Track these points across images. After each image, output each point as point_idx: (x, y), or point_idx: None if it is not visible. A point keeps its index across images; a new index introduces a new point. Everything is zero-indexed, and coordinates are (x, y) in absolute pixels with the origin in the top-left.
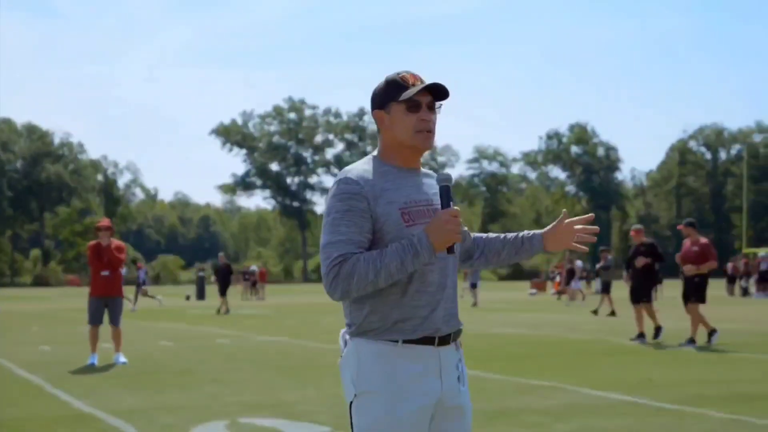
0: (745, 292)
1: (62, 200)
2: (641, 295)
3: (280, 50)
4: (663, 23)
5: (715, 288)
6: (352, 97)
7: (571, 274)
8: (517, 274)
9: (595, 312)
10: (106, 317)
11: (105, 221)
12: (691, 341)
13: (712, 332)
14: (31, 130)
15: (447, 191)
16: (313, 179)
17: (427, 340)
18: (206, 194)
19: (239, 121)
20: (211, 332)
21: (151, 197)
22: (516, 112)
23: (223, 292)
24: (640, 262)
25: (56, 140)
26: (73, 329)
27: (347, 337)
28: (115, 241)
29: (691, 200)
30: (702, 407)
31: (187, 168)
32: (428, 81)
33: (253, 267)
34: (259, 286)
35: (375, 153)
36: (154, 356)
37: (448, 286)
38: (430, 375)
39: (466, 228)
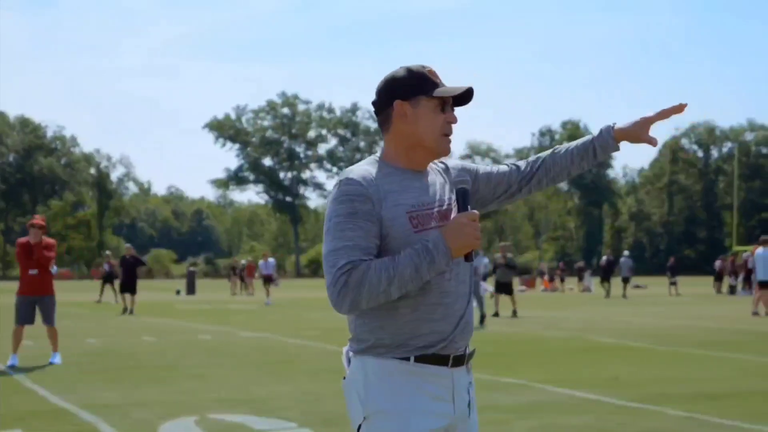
0: (732, 290)
1: (55, 193)
2: None
3: (273, 45)
4: (656, 21)
5: (703, 285)
6: (345, 92)
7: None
8: None
9: (496, 314)
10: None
11: (38, 219)
12: None
13: None
14: (24, 123)
15: (464, 194)
16: (306, 174)
17: (441, 359)
18: (200, 188)
19: (233, 116)
20: (195, 328)
21: (145, 191)
22: (509, 109)
23: (125, 288)
24: None
25: (49, 133)
26: (61, 323)
27: (351, 354)
28: (46, 239)
29: (683, 198)
30: (662, 405)
31: (180, 162)
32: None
33: (243, 261)
34: (248, 280)
35: (378, 155)
36: (136, 352)
37: (466, 297)
38: (443, 396)
39: (498, 168)
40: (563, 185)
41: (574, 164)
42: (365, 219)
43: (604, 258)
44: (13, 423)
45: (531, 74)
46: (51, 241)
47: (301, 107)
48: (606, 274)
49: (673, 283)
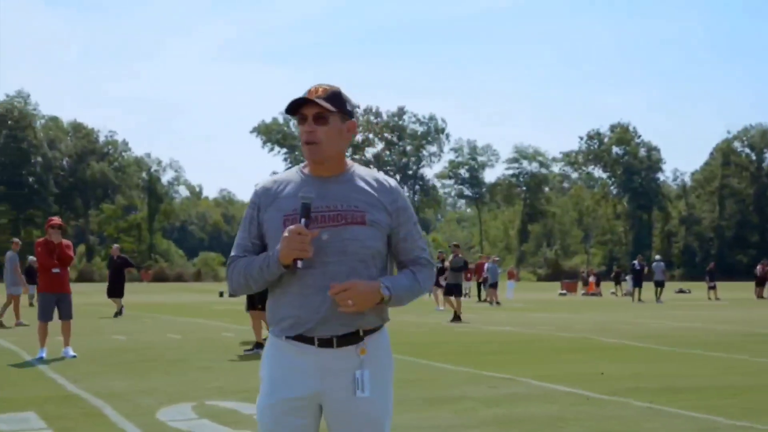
0: None
1: (107, 197)
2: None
3: (321, 48)
4: (706, 22)
5: (749, 290)
6: (391, 96)
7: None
8: (556, 275)
9: (458, 318)
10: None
11: (56, 219)
12: (258, 345)
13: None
14: (77, 128)
15: (303, 207)
16: None
17: (306, 339)
18: (251, 192)
19: (280, 120)
20: (221, 326)
21: (196, 194)
22: (556, 113)
23: (113, 291)
24: None
25: (101, 138)
26: (95, 322)
27: None
28: (64, 240)
29: (734, 202)
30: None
31: (232, 166)
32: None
33: None
34: None
35: (302, 164)
36: (156, 347)
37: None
38: (307, 371)
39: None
40: (612, 189)
41: None
42: (250, 223)
43: (636, 263)
44: (27, 406)
45: (578, 77)
46: (68, 242)
47: None
48: (637, 279)
49: (712, 288)
